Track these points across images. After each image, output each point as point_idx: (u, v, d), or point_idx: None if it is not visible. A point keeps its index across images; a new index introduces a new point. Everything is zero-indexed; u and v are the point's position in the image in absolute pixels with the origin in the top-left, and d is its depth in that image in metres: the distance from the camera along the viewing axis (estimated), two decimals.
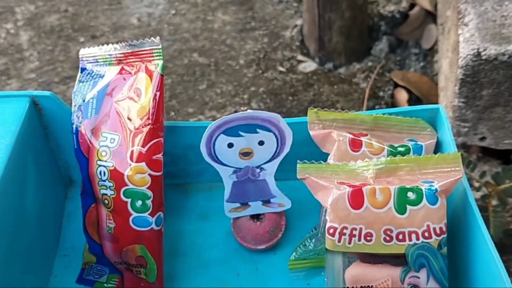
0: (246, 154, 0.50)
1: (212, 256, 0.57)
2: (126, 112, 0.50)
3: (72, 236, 0.59)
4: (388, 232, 0.46)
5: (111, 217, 0.51)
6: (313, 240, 0.54)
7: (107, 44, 0.53)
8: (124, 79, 0.51)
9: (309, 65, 1.01)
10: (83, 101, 0.52)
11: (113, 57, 0.52)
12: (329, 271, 0.47)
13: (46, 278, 0.55)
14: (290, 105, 0.88)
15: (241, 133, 0.49)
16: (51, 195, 0.58)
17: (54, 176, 0.59)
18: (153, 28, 0.98)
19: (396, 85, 0.99)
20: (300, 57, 1.02)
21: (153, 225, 0.50)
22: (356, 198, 0.46)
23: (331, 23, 0.97)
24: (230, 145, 0.50)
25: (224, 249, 0.58)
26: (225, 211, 0.55)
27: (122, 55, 0.52)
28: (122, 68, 0.52)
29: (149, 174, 0.49)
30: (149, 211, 0.50)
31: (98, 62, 0.52)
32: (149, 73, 0.51)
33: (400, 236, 0.46)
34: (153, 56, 0.51)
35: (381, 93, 0.98)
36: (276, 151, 0.51)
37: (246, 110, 0.49)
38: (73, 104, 0.52)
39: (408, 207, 0.46)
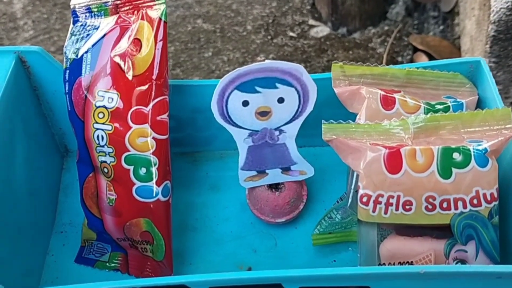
0: (263, 113, 0.44)
1: (225, 230, 0.51)
2: (125, 67, 0.44)
3: (69, 211, 0.53)
4: (431, 200, 0.40)
5: (111, 188, 0.45)
6: (340, 212, 0.48)
7: None
8: (122, 29, 0.45)
9: (321, 30, 0.95)
10: (76, 56, 0.46)
11: (109, 5, 0.45)
12: (362, 246, 0.42)
13: (41, 257, 0.49)
14: None
15: (258, 89, 0.42)
16: (45, 165, 0.52)
17: (47, 144, 0.53)
18: None
19: (415, 50, 0.92)
20: (311, 22, 0.96)
21: (160, 196, 0.44)
22: (394, 160, 0.40)
23: None
24: (245, 103, 0.43)
25: (238, 223, 0.52)
26: (239, 180, 0.49)
27: (119, 2, 0.45)
28: (119, 17, 0.45)
29: (153, 138, 0.43)
30: (154, 180, 0.44)
31: (92, 11, 0.46)
32: (150, 21, 0.44)
33: (445, 204, 0.40)
34: (154, 1, 0.45)
35: (399, 58, 0.91)
36: (297, 110, 0.44)
37: (264, 60, 0.43)
38: (64, 60, 0.46)
39: (454, 170, 0.40)
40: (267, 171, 0.48)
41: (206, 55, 0.85)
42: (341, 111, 0.47)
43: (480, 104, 0.48)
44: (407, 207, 0.40)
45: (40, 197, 0.51)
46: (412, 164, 0.40)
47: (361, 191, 0.40)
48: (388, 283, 0.37)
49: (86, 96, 0.45)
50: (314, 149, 0.54)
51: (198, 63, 0.84)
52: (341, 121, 0.43)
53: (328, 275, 0.37)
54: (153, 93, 0.43)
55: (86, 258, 0.49)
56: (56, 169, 0.55)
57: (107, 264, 0.49)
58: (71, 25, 0.47)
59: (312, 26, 0.95)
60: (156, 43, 0.43)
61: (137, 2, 0.45)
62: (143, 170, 0.44)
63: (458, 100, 0.47)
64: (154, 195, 0.44)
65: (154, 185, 0.44)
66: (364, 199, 0.40)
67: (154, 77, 0.43)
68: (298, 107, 0.44)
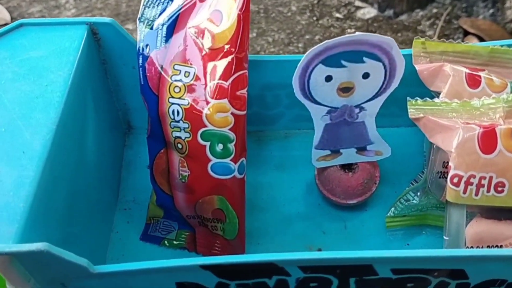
0: (345, 89, 0.42)
1: (293, 211, 0.50)
2: (204, 40, 0.42)
3: (132, 188, 0.52)
4: None
5: (185, 164, 0.44)
6: (418, 193, 0.46)
7: None
8: (201, 0, 0.43)
9: (368, 12, 0.92)
10: (151, 28, 0.44)
11: None
12: (450, 228, 0.40)
13: (107, 235, 0.48)
14: None
15: (344, 63, 0.40)
16: (110, 141, 0.51)
17: (112, 120, 0.52)
18: None
19: (466, 33, 0.90)
20: (357, 3, 0.93)
21: (236, 173, 0.43)
22: (488, 140, 0.38)
23: None
24: (328, 78, 0.41)
25: (306, 204, 0.51)
26: (312, 159, 0.47)
27: None
28: None
29: (232, 113, 0.42)
30: (231, 157, 0.42)
31: None
32: None
33: None
34: None
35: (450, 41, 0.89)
36: (382, 86, 0.42)
37: (354, 32, 0.41)
38: (138, 32, 0.44)
39: None
40: (341, 150, 0.46)
41: (251, 36, 0.83)
42: (416, 89, 0.45)
43: None
44: (499, 188, 0.39)
45: (106, 173, 0.49)
46: (508, 144, 0.38)
47: (452, 171, 0.39)
48: (484, 266, 0.36)
49: (161, 70, 0.43)
50: (383, 130, 0.53)
51: None
52: (427, 98, 0.42)
53: (422, 257, 0.35)
54: (233, 67, 0.42)
55: (152, 236, 0.48)
56: (119, 146, 0.54)
57: (174, 242, 0.48)
58: None
59: (358, 8, 0.93)
60: (238, 15, 0.41)
61: None
62: (220, 147, 0.42)
63: None
64: (230, 172, 0.43)
65: (231, 162, 0.43)
66: (455, 180, 0.39)
67: (235, 49, 0.41)
68: (383, 83, 0.42)
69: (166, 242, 0.48)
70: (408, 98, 0.42)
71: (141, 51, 0.44)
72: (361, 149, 0.47)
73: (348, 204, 0.49)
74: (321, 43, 0.40)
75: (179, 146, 0.44)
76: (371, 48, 0.40)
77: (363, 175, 0.48)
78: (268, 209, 0.50)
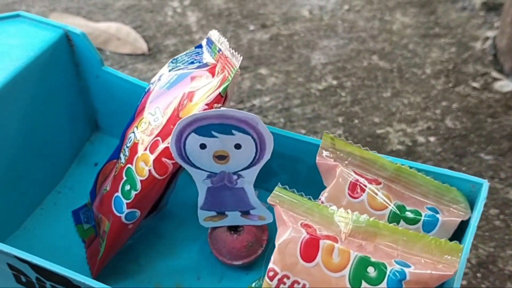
0: (221, 157, 0.44)
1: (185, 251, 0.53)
2: (182, 105, 0.46)
3: (74, 178, 0.59)
4: None
5: (110, 181, 0.50)
6: None
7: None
8: (209, 72, 0.47)
9: (506, 85, 0.85)
10: (169, 71, 0.49)
11: (219, 53, 0.48)
12: None
13: (31, 210, 0.56)
14: (491, 128, 0.75)
15: (215, 134, 0.43)
16: (68, 130, 0.58)
17: (77, 114, 0.59)
18: (326, 23, 0.90)
19: None
20: (494, 74, 0.87)
21: (123, 216, 0.48)
22: (310, 248, 0.39)
23: None
24: (203, 146, 0.44)
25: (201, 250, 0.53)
26: (199, 219, 0.50)
27: (223, 57, 0.47)
28: (214, 66, 0.47)
29: (150, 170, 0.46)
30: (128, 201, 0.47)
31: (210, 48, 0.49)
32: (220, 84, 0.46)
33: None
34: (231, 69, 0.46)
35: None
36: (255, 157, 0.44)
37: (219, 107, 0.43)
38: (166, 65, 0.50)
39: (364, 284, 0.37)
40: (226, 212, 0.49)
41: (385, 95, 0.79)
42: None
43: (461, 229, 0.43)
44: None
45: (54, 157, 0.57)
46: (327, 260, 0.38)
47: (270, 265, 0.39)
48: None
49: (149, 104, 0.49)
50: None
51: (377, 103, 0.78)
52: (294, 190, 0.42)
53: None
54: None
55: (78, 216, 0.54)
56: (80, 139, 0.60)
57: (83, 231, 0.54)
58: (194, 47, 0.51)
59: (495, 79, 0.86)
60: (205, 103, 0.45)
61: (229, 66, 0.46)
62: (127, 187, 0.47)
63: (436, 216, 0.43)
64: (121, 211, 0.48)
65: (126, 205, 0.47)
66: (271, 274, 0.39)
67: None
68: (256, 154, 0.44)
69: (79, 227, 0.54)
70: (279, 183, 0.42)
71: (153, 81, 0.50)
72: (245, 213, 0.49)
73: (233, 264, 0.51)
74: (190, 115, 0.42)
75: (117, 166, 0.50)
76: (238, 123, 0.42)
77: (248, 238, 0.50)
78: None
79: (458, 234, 0.43)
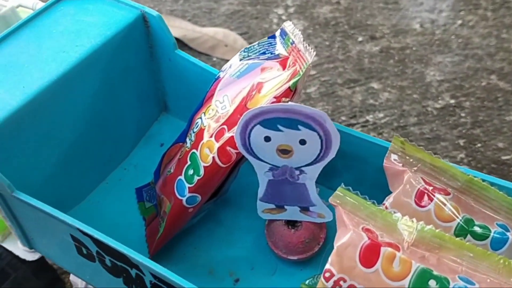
0: (284, 151, 0.44)
1: (240, 239, 0.53)
2: (250, 96, 0.46)
3: (140, 156, 0.60)
4: None
5: (175, 163, 0.50)
6: None
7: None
8: (280, 65, 0.47)
9: None
10: (240, 60, 0.49)
11: (292, 46, 0.47)
12: None
13: (96, 184, 0.57)
14: None
15: (280, 127, 0.42)
16: (137, 108, 0.59)
17: (148, 94, 0.60)
18: (438, 37, 0.86)
19: None
20: None
21: (184, 199, 0.48)
22: (370, 254, 0.38)
23: None
24: (267, 139, 0.43)
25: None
26: (258, 210, 0.49)
27: (296, 50, 0.46)
28: (286, 58, 0.47)
29: (213, 158, 0.46)
30: (191, 185, 0.47)
31: (284, 39, 0.48)
32: (290, 78, 0.45)
33: None
34: (301, 68, 0.45)
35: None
36: (319, 154, 0.43)
37: (287, 101, 0.42)
38: (238, 54, 0.50)
39: None
40: (285, 206, 0.48)
41: (508, 118, 0.76)
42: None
43: None
44: None
45: (122, 134, 0.58)
46: (387, 268, 0.37)
47: (327, 265, 0.39)
48: None
49: (217, 92, 0.49)
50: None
51: (500, 126, 0.75)
52: (358, 192, 0.41)
53: None
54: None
55: (141, 193, 0.55)
56: (149, 118, 0.61)
57: (145, 209, 0.55)
58: (267, 37, 0.50)
59: None
60: (274, 96, 0.44)
61: (301, 60, 0.46)
62: (191, 171, 0.48)
63: (506, 234, 0.41)
64: (182, 194, 0.48)
65: (187, 189, 0.48)
66: (327, 274, 0.39)
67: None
68: (320, 151, 0.43)
69: (141, 204, 0.55)
70: (342, 184, 0.42)
71: (224, 69, 0.50)
72: (305, 209, 0.48)
73: (288, 259, 0.51)
74: (257, 107, 0.42)
75: (182, 149, 0.50)
76: (305, 119, 0.41)
77: (305, 234, 0.49)
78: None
79: None
